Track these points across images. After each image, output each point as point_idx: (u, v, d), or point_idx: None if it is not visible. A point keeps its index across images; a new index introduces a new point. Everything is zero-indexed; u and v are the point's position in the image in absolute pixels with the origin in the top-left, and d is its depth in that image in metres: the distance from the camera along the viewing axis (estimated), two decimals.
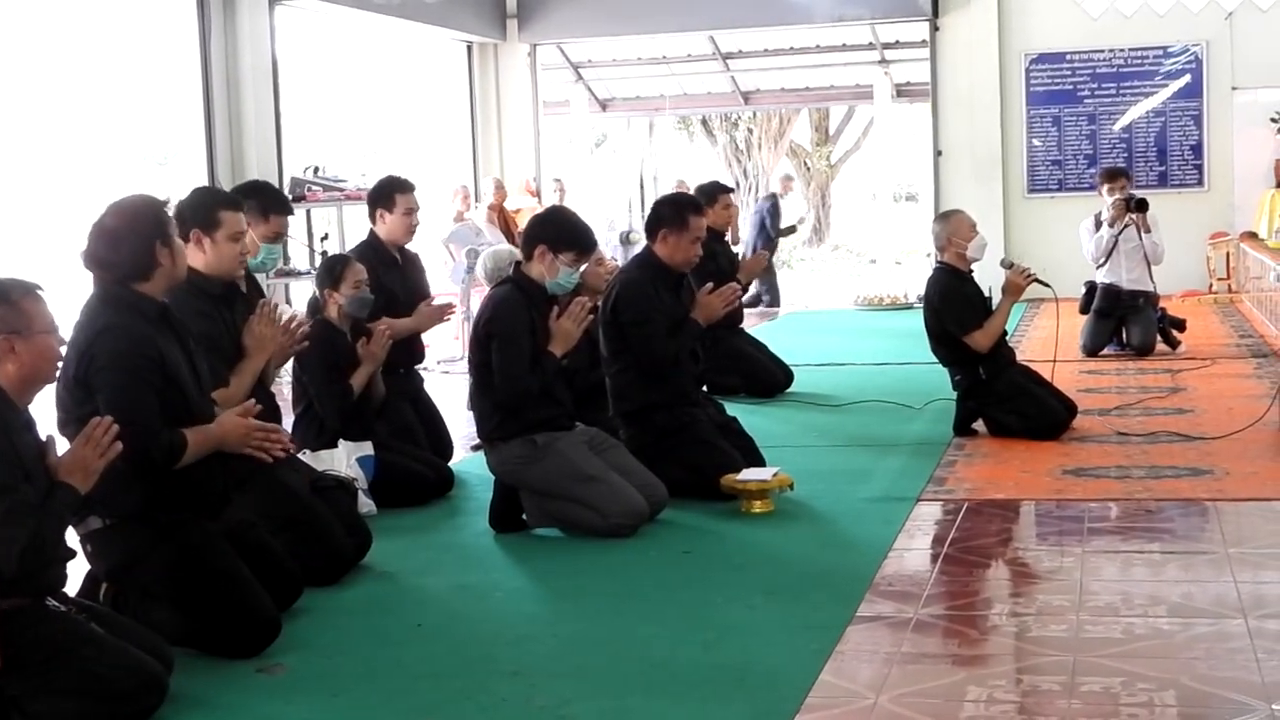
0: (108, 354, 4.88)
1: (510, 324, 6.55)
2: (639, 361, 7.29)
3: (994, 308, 8.72)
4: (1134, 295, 11.75)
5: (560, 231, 6.71)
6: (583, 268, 6.86)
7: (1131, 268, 11.88)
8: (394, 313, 7.95)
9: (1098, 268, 11.87)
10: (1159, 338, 11.92)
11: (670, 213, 7.51)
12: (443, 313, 8.47)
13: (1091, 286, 11.97)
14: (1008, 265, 8.84)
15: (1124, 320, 11.89)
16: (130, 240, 5.05)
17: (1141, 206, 11.80)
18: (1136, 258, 11.88)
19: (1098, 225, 12.03)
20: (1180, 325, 12.22)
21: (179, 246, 5.20)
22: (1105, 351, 11.85)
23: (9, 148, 15.75)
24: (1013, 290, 8.68)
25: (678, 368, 7.35)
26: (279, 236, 7.24)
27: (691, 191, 17.44)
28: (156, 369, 4.95)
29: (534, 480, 6.64)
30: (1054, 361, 9.50)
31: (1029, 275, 8.70)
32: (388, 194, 8.36)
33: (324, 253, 13.11)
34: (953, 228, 8.73)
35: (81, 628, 4.35)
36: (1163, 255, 11.91)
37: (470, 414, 7.21)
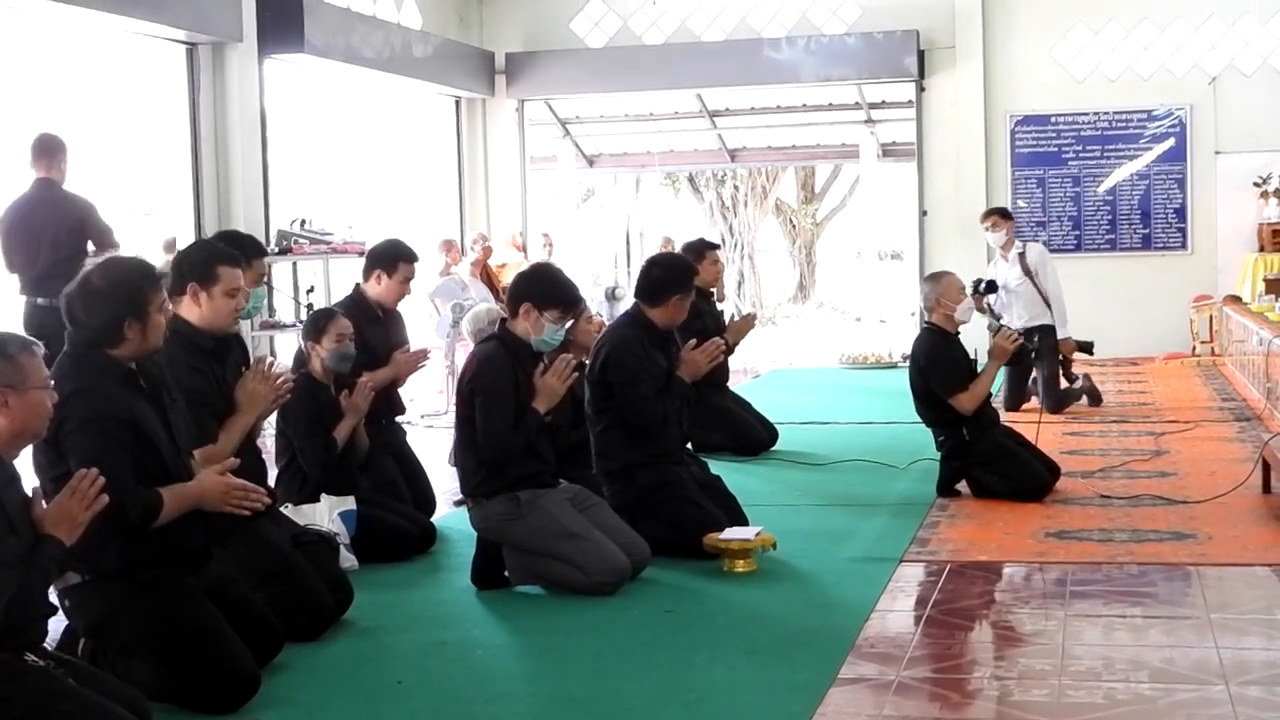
0: (78, 419, 4.88)
1: (494, 381, 6.55)
2: (626, 421, 7.29)
3: (980, 370, 8.73)
4: (1030, 334, 11.71)
5: (545, 289, 6.71)
6: (567, 325, 6.86)
7: (1025, 307, 12.32)
8: (375, 367, 7.95)
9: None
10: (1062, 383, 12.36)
11: (661, 274, 7.53)
12: (418, 359, 8.41)
13: None
14: (995, 329, 8.87)
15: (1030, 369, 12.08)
16: (102, 308, 5.06)
17: (991, 289, 12.16)
18: (1029, 297, 12.36)
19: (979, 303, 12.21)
20: (1088, 348, 12.50)
21: (154, 321, 5.16)
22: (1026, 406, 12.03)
23: None
24: (999, 354, 8.72)
25: (665, 428, 7.36)
26: (261, 279, 7.24)
27: (678, 249, 17.57)
28: (128, 430, 4.94)
29: (517, 537, 6.62)
30: (1038, 423, 9.52)
31: (1015, 339, 8.74)
32: (392, 259, 8.35)
33: (309, 305, 13.11)
34: (942, 289, 8.75)
35: (59, 683, 4.31)
36: (1061, 300, 12.45)
37: (453, 469, 7.20)
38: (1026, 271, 12.34)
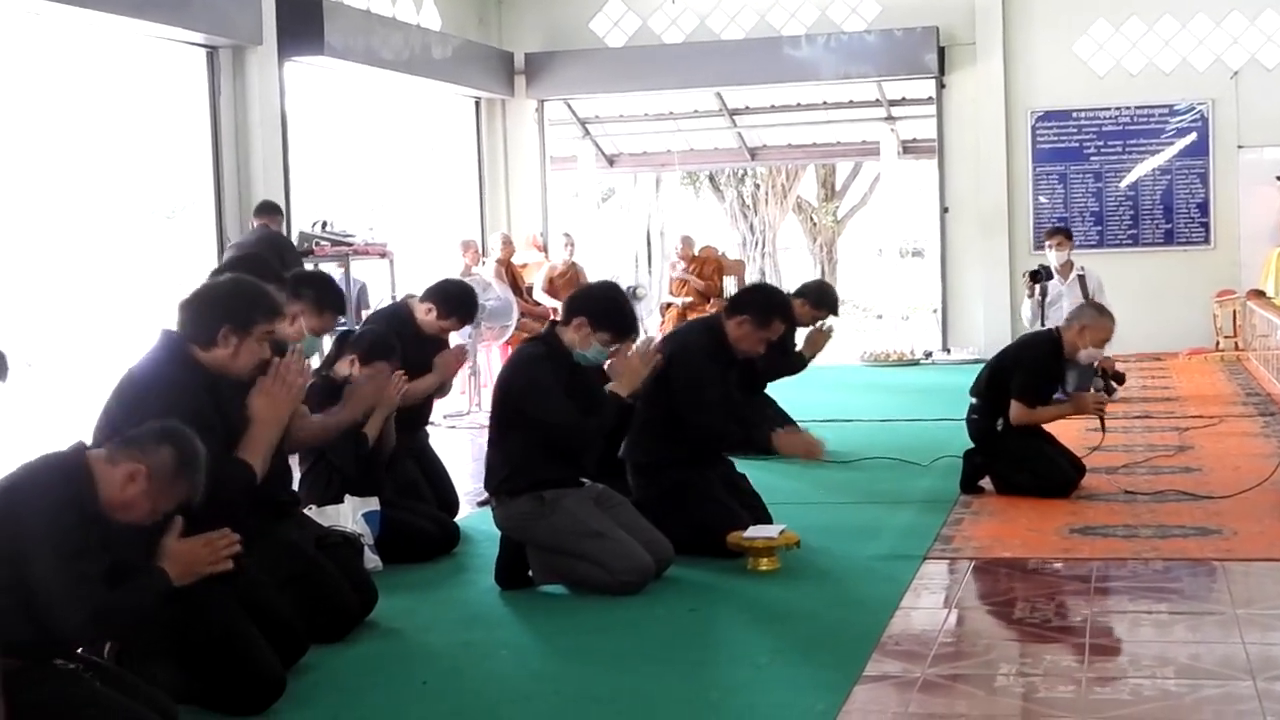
0: (152, 402, 4.92)
1: (538, 377, 6.56)
2: (688, 422, 7.27)
3: (1054, 400, 8.73)
4: None
5: (605, 312, 6.67)
6: (614, 349, 6.78)
7: None
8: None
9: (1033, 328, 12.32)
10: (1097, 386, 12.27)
11: (760, 306, 7.48)
12: (459, 357, 8.33)
13: None
14: (1098, 387, 8.81)
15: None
16: (211, 307, 5.17)
17: (1036, 278, 12.51)
18: None
19: (1031, 288, 12.71)
20: (1120, 378, 12.49)
21: (250, 347, 5.24)
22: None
23: (19, 201, 15.80)
24: (1079, 409, 8.65)
25: (720, 441, 7.37)
26: (325, 332, 7.17)
27: (695, 249, 17.54)
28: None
29: (541, 536, 6.63)
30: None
31: (1101, 405, 8.66)
32: (460, 311, 8.35)
33: None
34: (1096, 325, 8.62)
35: (86, 686, 4.33)
36: None
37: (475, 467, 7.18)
38: (1086, 294, 12.40)
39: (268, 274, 8.64)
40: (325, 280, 7.40)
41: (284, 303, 5.58)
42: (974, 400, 8.74)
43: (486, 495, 7.12)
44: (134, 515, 4.42)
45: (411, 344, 8.01)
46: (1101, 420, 8.86)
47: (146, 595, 4.45)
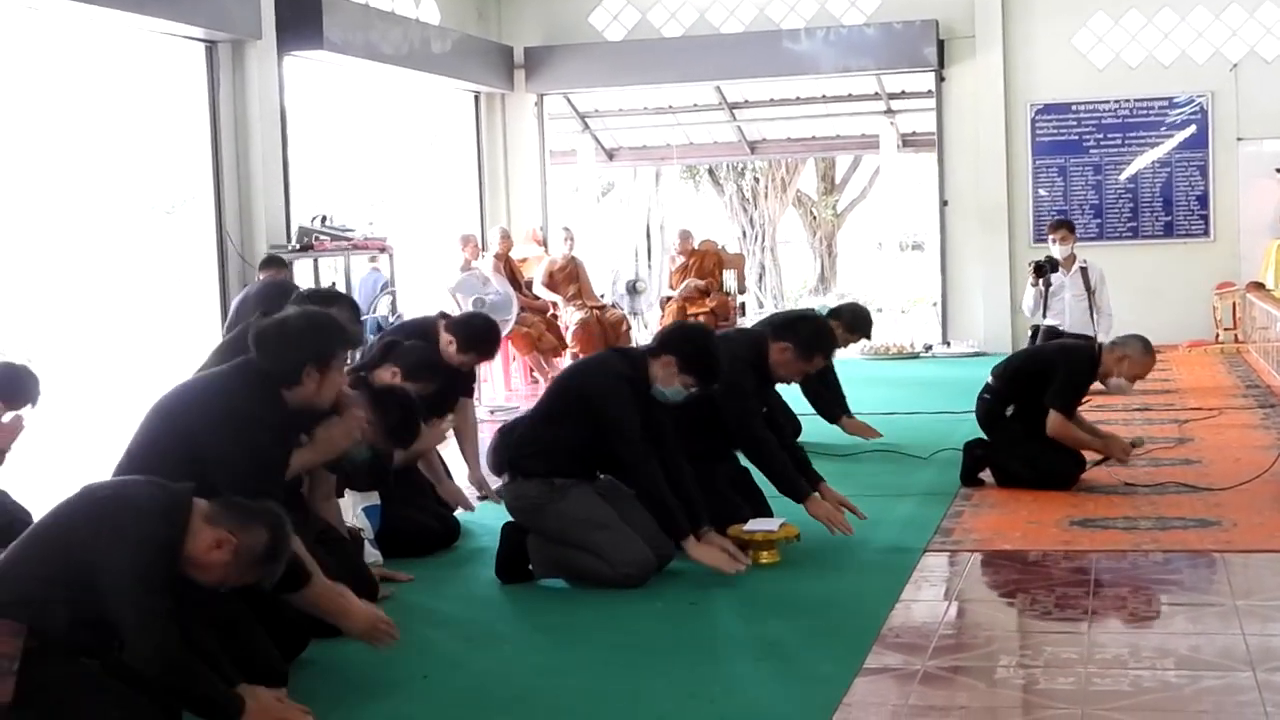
0: (242, 444, 5.09)
1: (624, 394, 6.59)
2: (729, 428, 7.25)
3: (1093, 428, 8.71)
4: (1074, 338, 11.79)
5: (696, 357, 6.64)
6: (693, 390, 6.75)
7: (1076, 315, 12.83)
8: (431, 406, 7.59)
9: (1034, 318, 12.47)
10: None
11: (806, 339, 7.42)
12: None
13: (1035, 330, 12.79)
14: (1139, 443, 8.75)
15: None
16: (292, 346, 5.23)
17: (1041, 270, 12.75)
18: (1081, 308, 12.89)
19: (1036, 279, 12.93)
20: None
21: (332, 379, 5.34)
22: None
23: (18, 196, 15.82)
24: (1109, 450, 8.59)
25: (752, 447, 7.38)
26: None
27: (694, 243, 17.55)
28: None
29: (545, 523, 6.65)
30: None
31: (1128, 455, 8.60)
32: (482, 346, 8.26)
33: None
34: (1136, 356, 8.58)
35: (91, 673, 4.34)
36: (1110, 318, 13.03)
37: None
38: (1088, 287, 12.51)
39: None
40: (407, 409, 7.05)
41: (356, 331, 5.63)
42: (991, 380, 8.74)
43: (490, 462, 7.10)
44: (205, 577, 4.47)
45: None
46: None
47: (211, 697, 4.44)
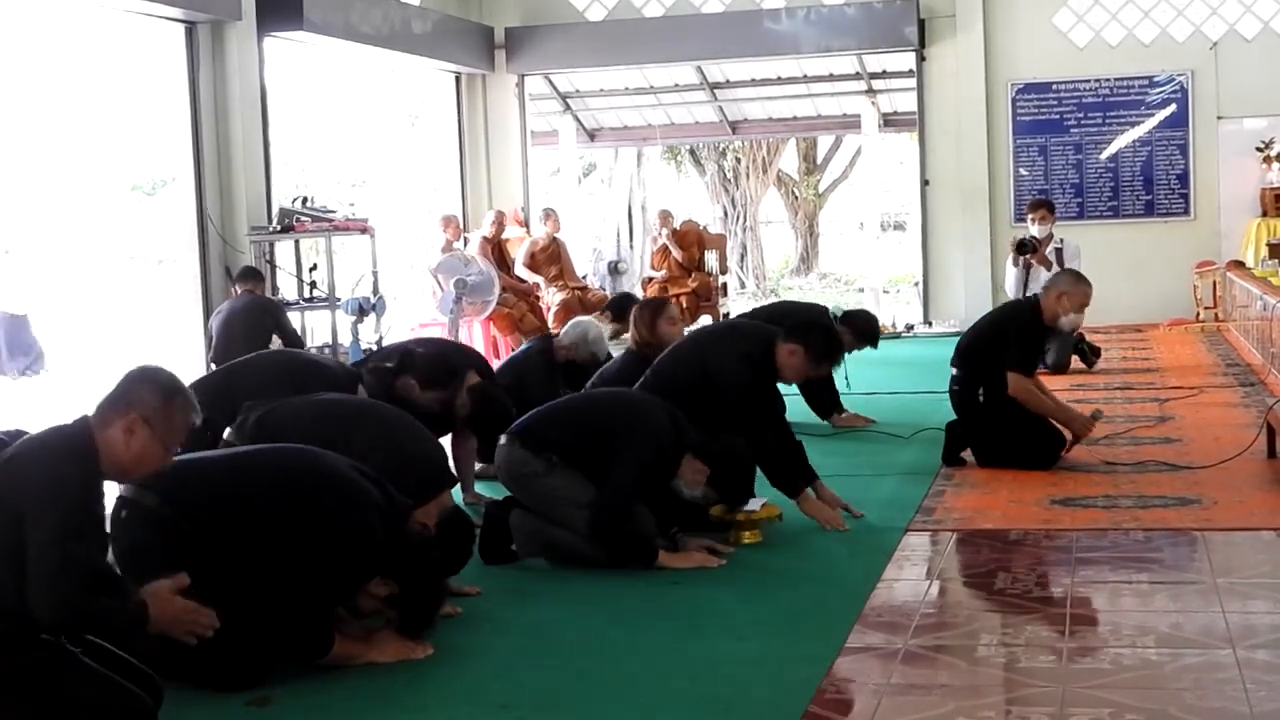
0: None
1: (654, 454, 6.59)
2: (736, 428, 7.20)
3: (1054, 398, 8.74)
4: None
5: (720, 466, 6.63)
6: (703, 483, 6.70)
7: None
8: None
9: (1015, 296, 12.56)
10: (1077, 358, 12.88)
11: (819, 348, 7.38)
12: None
13: None
14: (1098, 415, 8.75)
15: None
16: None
17: (1022, 249, 12.83)
18: None
19: (1017, 257, 13.01)
20: (1096, 351, 13.05)
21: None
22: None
23: None
24: (1067, 420, 8.58)
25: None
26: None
27: (675, 223, 17.56)
28: None
29: (531, 494, 6.67)
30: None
31: (1089, 430, 8.58)
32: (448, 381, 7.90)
33: (312, 284, 13.13)
34: (1074, 291, 8.56)
35: (70, 658, 4.32)
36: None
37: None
38: (1061, 264, 12.58)
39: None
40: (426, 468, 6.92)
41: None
42: (955, 371, 8.75)
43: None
44: (151, 465, 4.44)
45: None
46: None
47: (119, 619, 4.41)
